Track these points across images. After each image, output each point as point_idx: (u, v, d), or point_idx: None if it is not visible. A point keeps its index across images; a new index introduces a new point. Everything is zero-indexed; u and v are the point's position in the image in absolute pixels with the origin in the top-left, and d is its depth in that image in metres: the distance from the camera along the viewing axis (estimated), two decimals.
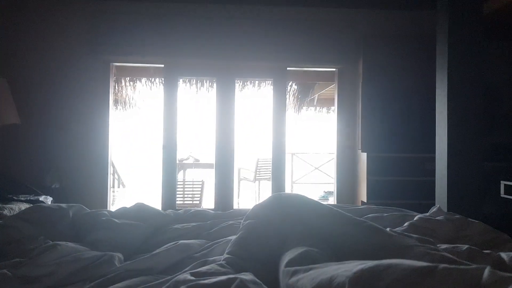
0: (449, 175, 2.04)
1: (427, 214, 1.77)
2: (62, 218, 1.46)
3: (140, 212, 1.65)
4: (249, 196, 6.43)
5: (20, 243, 1.25)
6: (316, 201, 1.31)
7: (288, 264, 0.82)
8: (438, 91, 2.22)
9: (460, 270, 0.58)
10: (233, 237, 1.44)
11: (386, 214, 1.72)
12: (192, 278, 0.82)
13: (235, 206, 4.58)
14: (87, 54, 4.03)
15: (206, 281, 0.75)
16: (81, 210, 1.60)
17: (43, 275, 1.06)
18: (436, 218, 1.61)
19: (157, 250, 1.30)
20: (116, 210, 1.69)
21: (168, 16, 4.11)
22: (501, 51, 3.71)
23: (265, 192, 5.91)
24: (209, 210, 1.92)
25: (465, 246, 1.20)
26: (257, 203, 1.34)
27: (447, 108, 2.07)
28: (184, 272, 0.94)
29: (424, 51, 3.88)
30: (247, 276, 0.76)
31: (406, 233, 1.25)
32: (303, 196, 1.34)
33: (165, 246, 1.34)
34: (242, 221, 1.27)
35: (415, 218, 1.61)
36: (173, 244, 1.33)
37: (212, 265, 0.96)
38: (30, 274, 1.05)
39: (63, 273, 1.10)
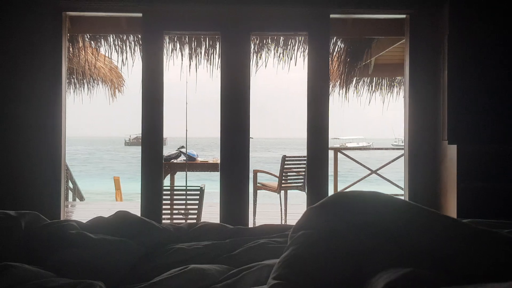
0: None
1: None
2: (11, 231, 1.46)
3: (124, 225, 1.64)
4: (271, 212, 6.43)
5: None
6: (405, 201, 1.27)
7: None
8: None
9: None
10: (271, 261, 1.42)
11: (506, 231, 1.67)
12: None
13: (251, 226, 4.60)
14: None
15: None
16: (38, 220, 1.60)
17: None
18: None
19: (158, 278, 1.29)
20: (90, 221, 1.69)
21: None
22: None
23: (296, 207, 5.90)
24: (227, 225, 1.90)
25: None
26: (311, 206, 1.32)
27: None
28: None
29: None
30: None
31: None
32: (383, 194, 1.31)
33: (168, 272, 1.33)
34: (290, 233, 1.26)
35: None
36: (181, 270, 1.33)
37: None
38: None
39: None
